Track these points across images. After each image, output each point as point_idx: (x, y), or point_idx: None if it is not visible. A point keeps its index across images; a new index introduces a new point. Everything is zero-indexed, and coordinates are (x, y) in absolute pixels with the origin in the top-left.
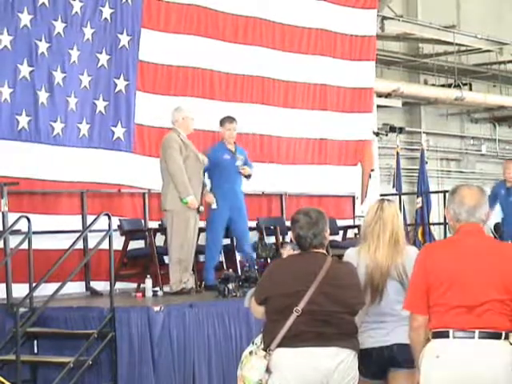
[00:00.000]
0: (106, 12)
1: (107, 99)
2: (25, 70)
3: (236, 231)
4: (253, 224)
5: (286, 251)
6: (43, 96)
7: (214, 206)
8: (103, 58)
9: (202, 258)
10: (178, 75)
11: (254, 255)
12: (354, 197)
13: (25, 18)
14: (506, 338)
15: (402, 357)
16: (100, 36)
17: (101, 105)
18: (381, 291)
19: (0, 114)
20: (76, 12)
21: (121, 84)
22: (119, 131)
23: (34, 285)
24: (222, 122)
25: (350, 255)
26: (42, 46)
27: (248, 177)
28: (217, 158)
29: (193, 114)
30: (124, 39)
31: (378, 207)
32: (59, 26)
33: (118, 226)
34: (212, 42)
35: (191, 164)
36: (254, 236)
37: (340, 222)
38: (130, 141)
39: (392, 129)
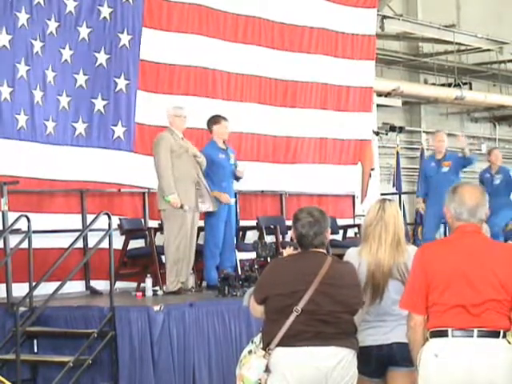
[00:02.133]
0: (105, 11)
1: (107, 98)
2: (22, 69)
3: (225, 232)
4: (252, 223)
5: (287, 252)
6: (38, 95)
7: (231, 201)
8: (102, 57)
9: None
10: (180, 74)
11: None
12: (354, 196)
13: (22, 18)
14: (504, 336)
15: (402, 356)
16: (98, 35)
17: (100, 104)
18: (382, 291)
19: (1, 114)
20: (70, 11)
21: (121, 83)
22: (119, 130)
23: (33, 284)
24: (216, 121)
25: (350, 255)
26: (37, 45)
27: (239, 179)
28: (212, 157)
29: (184, 111)
30: (124, 38)
31: (380, 207)
32: (52, 26)
33: (118, 226)
34: (213, 41)
35: (183, 163)
36: (253, 235)
37: (340, 222)
38: (130, 140)
39: (392, 128)
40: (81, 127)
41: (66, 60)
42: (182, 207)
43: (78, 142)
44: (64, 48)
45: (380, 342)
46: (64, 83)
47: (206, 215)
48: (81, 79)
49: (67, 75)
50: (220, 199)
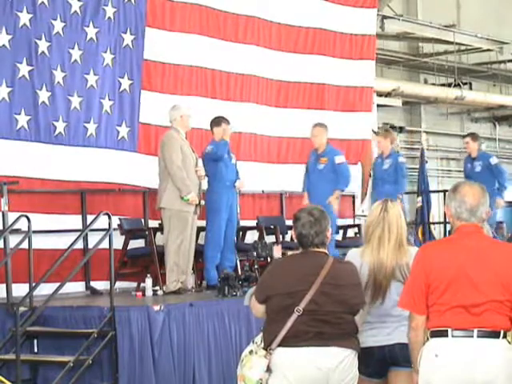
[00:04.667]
0: (110, 11)
1: (113, 99)
2: (24, 69)
3: (225, 232)
4: (252, 223)
5: (276, 250)
6: (44, 95)
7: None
8: (108, 58)
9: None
10: (182, 74)
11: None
12: (353, 196)
13: (24, 17)
14: (504, 336)
15: (404, 356)
16: (104, 35)
17: (107, 104)
18: (384, 292)
19: None
20: (75, 11)
21: (125, 83)
22: (124, 131)
23: (33, 284)
24: (221, 122)
25: (352, 256)
26: (42, 45)
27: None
28: (218, 156)
29: (191, 111)
30: (128, 38)
31: (382, 208)
32: (58, 26)
33: (118, 226)
34: (213, 41)
35: (188, 163)
36: (253, 235)
37: (340, 222)
38: (134, 140)
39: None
40: (92, 128)
41: (75, 60)
42: (199, 204)
43: (89, 142)
44: (73, 48)
45: (382, 342)
46: (75, 83)
47: (208, 215)
48: (91, 79)
49: (77, 75)
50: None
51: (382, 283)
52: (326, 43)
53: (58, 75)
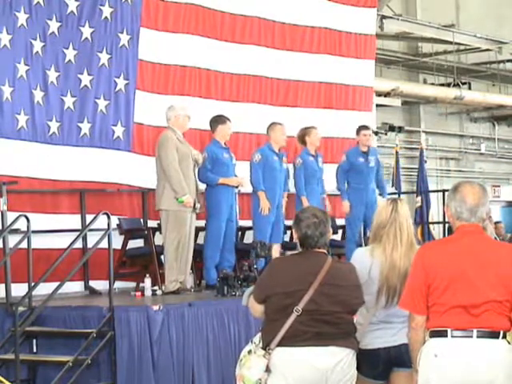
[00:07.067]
0: (106, 11)
1: (108, 98)
2: (22, 68)
3: (225, 232)
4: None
5: (274, 250)
6: (38, 95)
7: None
8: (104, 58)
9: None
10: (177, 74)
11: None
12: None
13: (22, 17)
14: (504, 337)
15: (410, 357)
16: (100, 35)
17: (102, 104)
18: (399, 293)
19: (2, 113)
20: (71, 11)
21: (121, 83)
22: (119, 130)
23: (33, 284)
24: (221, 121)
25: (361, 255)
26: (37, 45)
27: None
28: (217, 155)
29: (188, 111)
30: (124, 38)
31: (393, 208)
32: (54, 26)
33: (117, 225)
34: (210, 41)
35: (186, 164)
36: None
37: (339, 221)
38: (128, 140)
39: (391, 128)
40: (86, 127)
41: (69, 60)
42: (194, 206)
43: (83, 142)
44: (67, 48)
45: (388, 344)
46: (68, 83)
47: (208, 215)
48: (85, 79)
49: (71, 75)
50: (230, 183)
51: (395, 284)
52: (326, 42)
53: (52, 75)
